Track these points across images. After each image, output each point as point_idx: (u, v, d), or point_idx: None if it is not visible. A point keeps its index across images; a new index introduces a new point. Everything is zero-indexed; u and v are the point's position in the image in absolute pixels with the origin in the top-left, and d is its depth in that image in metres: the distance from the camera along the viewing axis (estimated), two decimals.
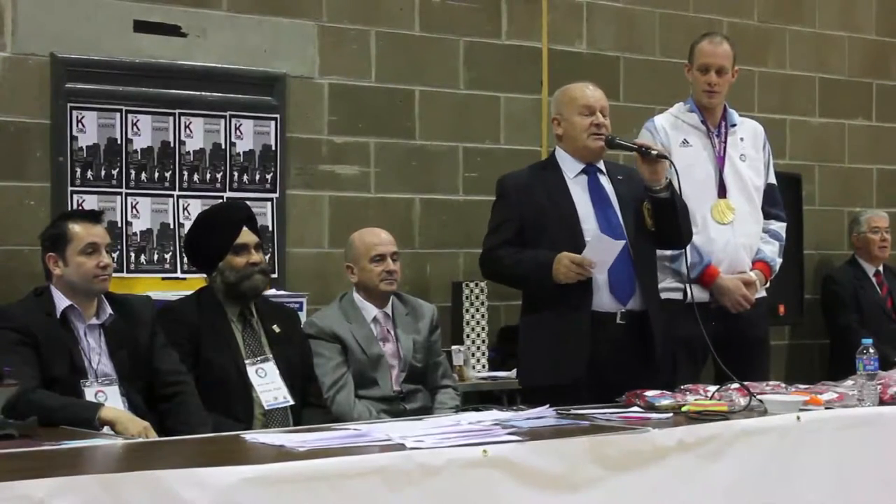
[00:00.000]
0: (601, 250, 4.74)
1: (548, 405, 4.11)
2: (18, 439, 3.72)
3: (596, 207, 4.91)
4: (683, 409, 4.26)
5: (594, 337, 4.80)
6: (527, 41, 7.20)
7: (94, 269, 4.55)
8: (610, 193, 4.96)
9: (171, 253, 6.09)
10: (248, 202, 5.86)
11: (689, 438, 3.93)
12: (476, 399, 6.32)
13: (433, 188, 6.88)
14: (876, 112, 8.50)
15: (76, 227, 4.60)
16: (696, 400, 4.37)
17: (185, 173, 6.16)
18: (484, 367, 6.74)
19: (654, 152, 4.86)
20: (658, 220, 4.91)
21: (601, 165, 5.01)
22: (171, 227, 6.11)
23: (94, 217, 4.73)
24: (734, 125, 5.55)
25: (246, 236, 5.04)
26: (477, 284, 6.73)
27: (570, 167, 4.97)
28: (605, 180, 4.98)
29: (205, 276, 5.14)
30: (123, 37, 6.03)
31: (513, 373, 6.61)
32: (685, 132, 5.47)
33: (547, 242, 4.85)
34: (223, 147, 6.27)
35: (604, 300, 4.85)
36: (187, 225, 5.94)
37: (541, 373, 4.92)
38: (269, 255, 6.04)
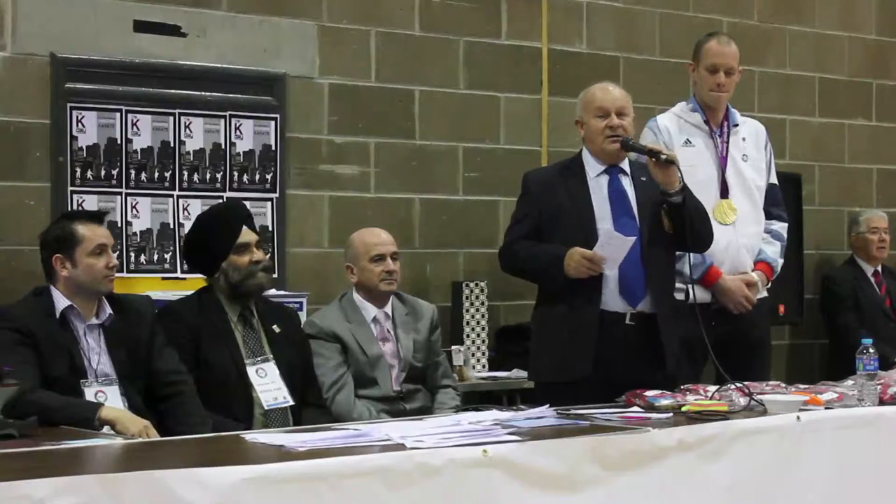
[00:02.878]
0: (612, 247, 4.75)
1: (548, 405, 4.12)
2: (18, 439, 3.72)
3: (613, 208, 4.93)
4: (683, 409, 4.26)
5: (602, 336, 4.82)
6: (527, 41, 7.19)
7: (104, 270, 4.56)
8: (630, 195, 4.97)
9: (171, 253, 6.09)
10: (247, 202, 5.87)
11: (689, 438, 3.93)
12: (476, 399, 6.32)
13: (433, 188, 6.87)
14: (876, 112, 8.49)
15: (83, 229, 4.59)
16: (696, 400, 4.38)
17: (185, 173, 6.16)
18: (484, 367, 6.74)
19: (663, 157, 4.83)
20: (675, 223, 4.90)
21: (625, 166, 5.02)
22: (171, 227, 6.11)
23: (98, 218, 4.73)
24: (736, 125, 5.53)
25: (247, 235, 5.05)
26: (477, 284, 6.72)
27: (593, 167, 5.00)
28: (626, 182, 5.00)
29: (204, 276, 5.14)
30: (123, 37, 6.03)
31: (513, 373, 6.63)
32: (688, 132, 5.45)
33: (561, 239, 4.88)
34: (223, 147, 6.27)
35: (613, 300, 4.87)
36: (187, 225, 5.94)
37: (549, 369, 4.96)
38: (268, 254, 6.03)
